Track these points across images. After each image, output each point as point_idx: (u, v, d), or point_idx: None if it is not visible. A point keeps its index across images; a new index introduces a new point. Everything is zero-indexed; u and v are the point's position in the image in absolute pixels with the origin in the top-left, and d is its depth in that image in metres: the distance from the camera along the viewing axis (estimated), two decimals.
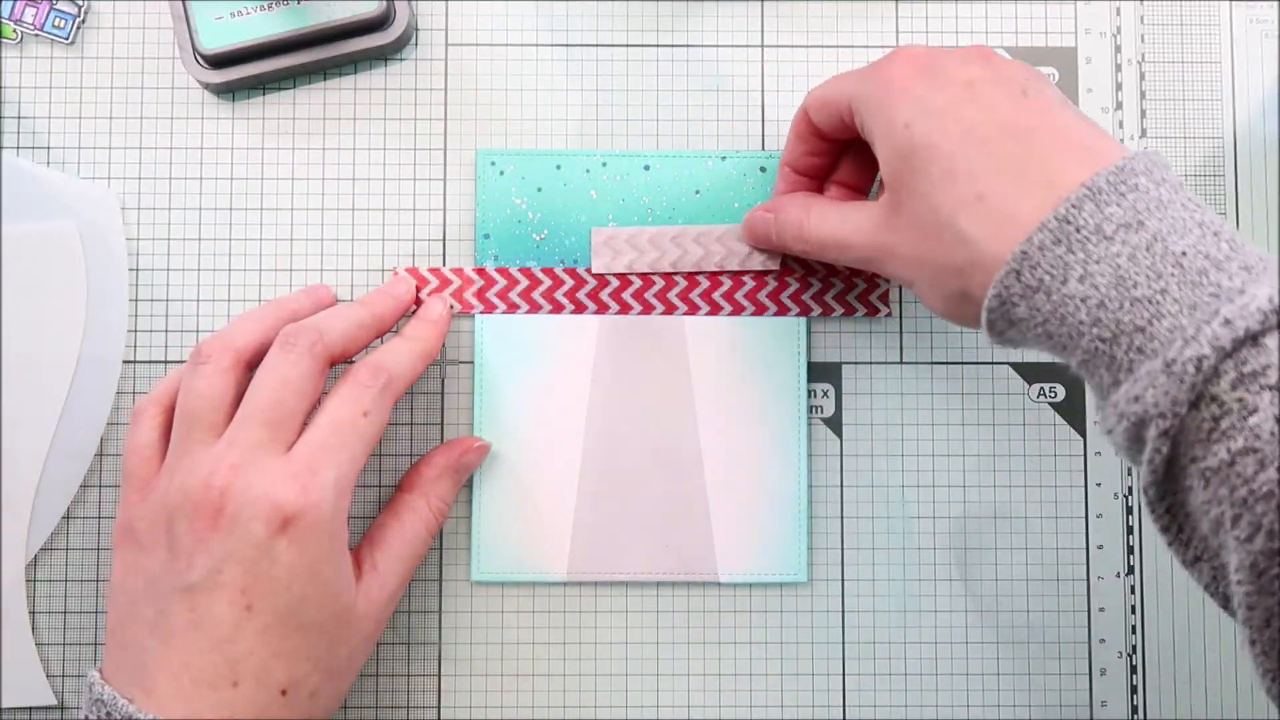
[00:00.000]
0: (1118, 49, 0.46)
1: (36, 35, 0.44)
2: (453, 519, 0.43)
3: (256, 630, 0.34)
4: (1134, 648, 0.44)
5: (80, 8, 0.44)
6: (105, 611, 0.43)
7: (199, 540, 0.34)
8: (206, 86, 0.44)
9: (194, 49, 0.43)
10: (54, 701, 0.43)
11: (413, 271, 0.44)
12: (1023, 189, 0.32)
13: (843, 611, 0.44)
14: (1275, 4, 0.46)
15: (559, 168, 0.44)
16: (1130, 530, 0.44)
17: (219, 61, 0.43)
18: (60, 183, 0.44)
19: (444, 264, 0.44)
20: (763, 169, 0.44)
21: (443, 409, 0.44)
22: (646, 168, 0.44)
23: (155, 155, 0.44)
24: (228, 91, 0.44)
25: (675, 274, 0.44)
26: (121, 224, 0.44)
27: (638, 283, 0.44)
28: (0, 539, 0.42)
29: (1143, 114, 0.45)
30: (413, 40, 0.45)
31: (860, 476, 0.44)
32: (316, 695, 0.36)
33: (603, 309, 0.44)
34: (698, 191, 0.44)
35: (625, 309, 0.44)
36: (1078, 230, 0.31)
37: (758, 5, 0.45)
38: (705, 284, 0.44)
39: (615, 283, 0.44)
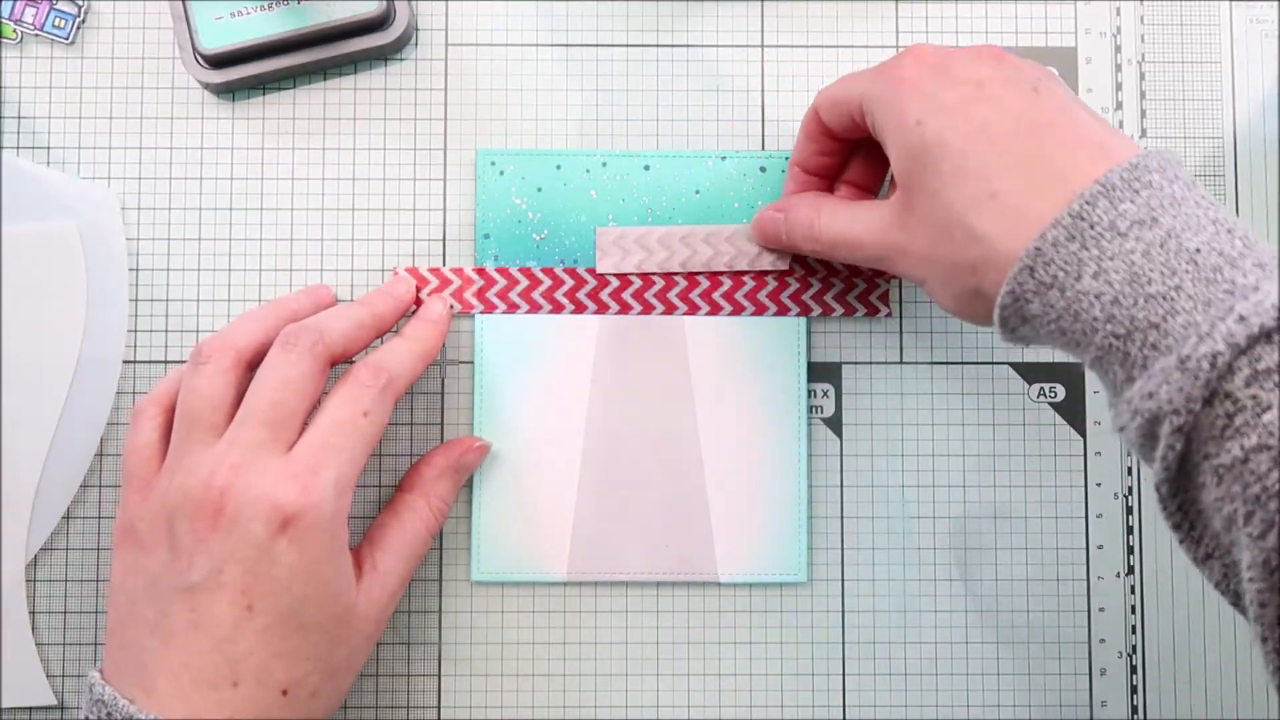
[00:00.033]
0: (1118, 49, 0.46)
1: (36, 35, 0.44)
2: (453, 519, 0.43)
3: (257, 630, 0.34)
4: (1134, 648, 0.44)
5: (80, 8, 0.44)
6: (105, 611, 0.43)
7: (199, 540, 0.34)
8: (206, 86, 0.44)
9: (194, 49, 0.43)
10: (54, 701, 0.43)
11: (413, 271, 0.44)
12: (1035, 186, 0.32)
13: (843, 611, 0.44)
14: (1275, 4, 0.46)
15: (559, 168, 0.44)
16: (1130, 530, 0.44)
17: (219, 61, 0.43)
18: (60, 183, 0.44)
19: (444, 264, 0.44)
20: (763, 169, 0.44)
21: (443, 409, 0.44)
22: (646, 168, 0.44)
23: (155, 155, 0.44)
24: (228, 91, 0.44)
25: (675, 274, 0.44)
26: (121, 224, 0.44)
27: (638, 282, 0.44)
28: (0, 539, 0.42)
29: (1143, 114, 0.45)
30: (413, 40, 0.45)
31: (860, 476, 0.44)
32: (317, 695, 0.36)
33: (603, 309, 0.44)
34: (698, 191, 0.44)
35: (625, 309, 0.44)
36: (1092, 227, 0.31)
37: (758, 5, 0.45)
38: (705, 284, 0.44)
39: (615, 282, 0.44)
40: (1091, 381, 0.44)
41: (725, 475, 0.43)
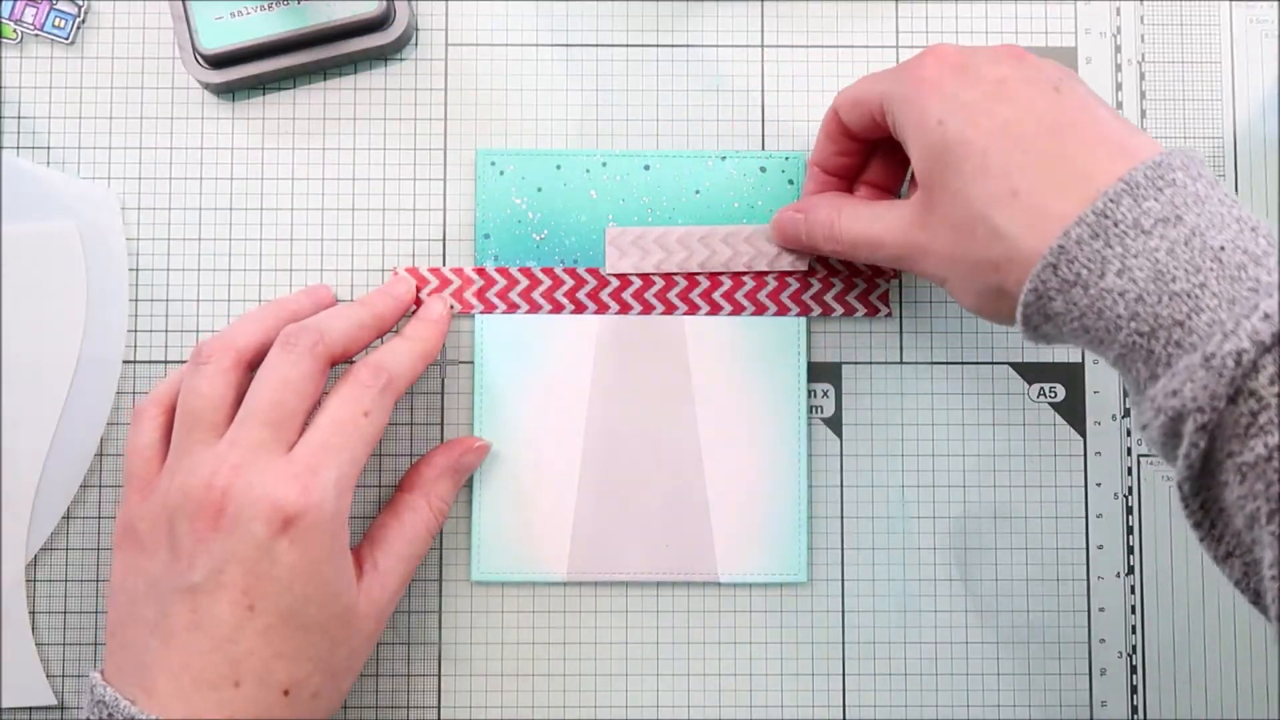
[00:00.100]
0: (1118, 49, 0.46)
1: (36, 35, 0.44)
2: (453, 519, 0.43)
3: (258, 630, 0.34)
4: (1134, 648, 0.44)
5: (80, 8, 0.44)
6: (105, 612, 0.43)
7: (200, 540, 0.34)
8: (206, 86, 0.44)
9: (194, 49, 0.43)
10: (54, 701, 0.43)
11: (413, 271, 0.44)
12: (1058, 184, 0.32)
13: (843, 611, 0.44)
14: (1275, 4, 0.46)
15: (559, 168, 0.44)
16: (1130, 530, 0.44)
17: (219, 61, 0.43)
18: (60, 183, 0.44)
19: (444, 264, 0.44)
20: (763, 169, 0.44)
21: (443, 409, 0.44)
22: (646, 168, 0.44)
23: (155, 155, 0.44)
24: (228, 91, 0.44)
25: (675, 274, 0.44)
26: (121, 224, 0.44)
27: (638, 282, 0.44)
28: (0, 539, 0.42)
29: (1143, 114, 0.45)
30: (413, 40, 0.45)
31: (860, 476, 0.44)
32: (318, 695, 0.36)
33: (603, 309, 0.44)
34: (698, 191, 0.44)
35: (625, 309, 0.44)
36: (1115, 224, 0.31)
37: (758, 5, 0.45)
38: (705, 284, 0.44)
39: (615, 282, 0.44)
40: (1092, 381, 0.45)
41: (725, 475, 0.43)
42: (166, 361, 0.44)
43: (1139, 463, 0.44)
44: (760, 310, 0.44)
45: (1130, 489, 0.44)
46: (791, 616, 0.44)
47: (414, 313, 0.43)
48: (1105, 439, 0.44)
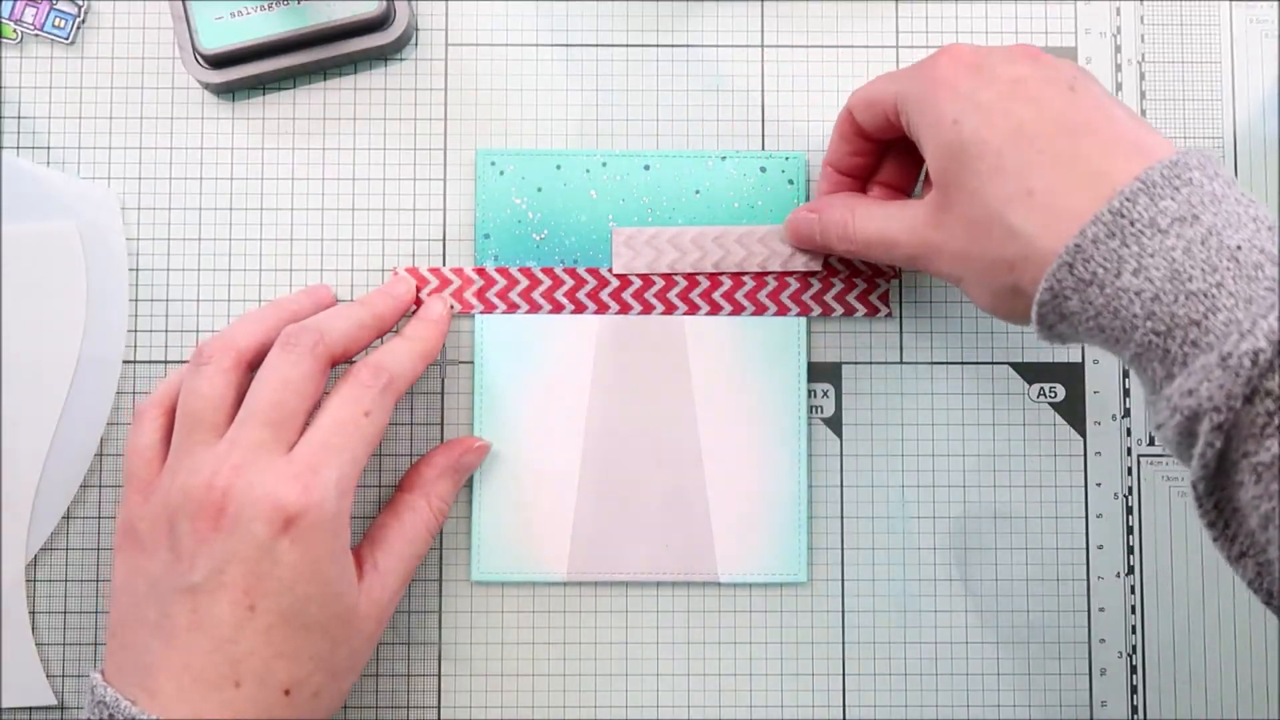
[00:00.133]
0: (1118, 49, 0.46)
1: (36, 35, 0.44)
2: (453, 519, 0.43)
3: (259, 630, 0.34)
4: (1134, 648, 0.44)
5: (80, 8, 0.44)
6: (105, 611, 0.43)
7: (201, 541, 0.34)
8: (206, 86, 0.44)
9: (194, 49, 0.43)
10: (54, 701, 0.43)
11: (413, 271, 0.44)
12: (1074, 184, 0.32)
13: (843, 611, 0.44)
14: (1275, 4, 0.46)
15: (559, 168, 0.44)
16: (1130, 530, 0.44)
17: (219, 61, 0.43)
18: (60, 183, 0.44)
19: (444, 264, 0.44)
20: (763, 169, 0.44)
21: (443, 409, 0.44)
22: (646, 168, 0.44)
23: (155, 155, 0.44)
24: (228, 91, 0.44)
25: (676, 274, 0.44)
26: (121, 224, 0.44)
27: (638, 282, 0.44)
28: (0, 539, 0.42)
29: (1143, 114, 0.45)
30: (413, 40, 0.45)
31: (860, 476, 0.44)
32: (319, 695, 0.36)
33: (603, 309, 0.44)
34: (698, 191, 0.44)
35: (625, 309, 0.44)
36: (1132, 223, 0.31)
37: (758, 5, 0.45)
38: (705, 284, 0.44)
39: (615, 282, 0.44)
40: (1091, 381, 0.45)
41: (725, 475, 0.43)
42: (166, 361, 0.44)
43: (1139, 463, 0.44)
44: (760, 310, 0.44)
45: (1130, 489, 0.44)
46: (791, 616, 0.44)
47: (414, 313, 0.43)
48: (1105, 439, 0.44)
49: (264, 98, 0.44)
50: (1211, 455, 0.29)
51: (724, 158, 0.44)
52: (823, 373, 0.44)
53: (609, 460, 0.43)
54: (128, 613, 0.36)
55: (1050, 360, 0.44)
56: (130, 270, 0.44)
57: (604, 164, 0.44)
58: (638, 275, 0.44)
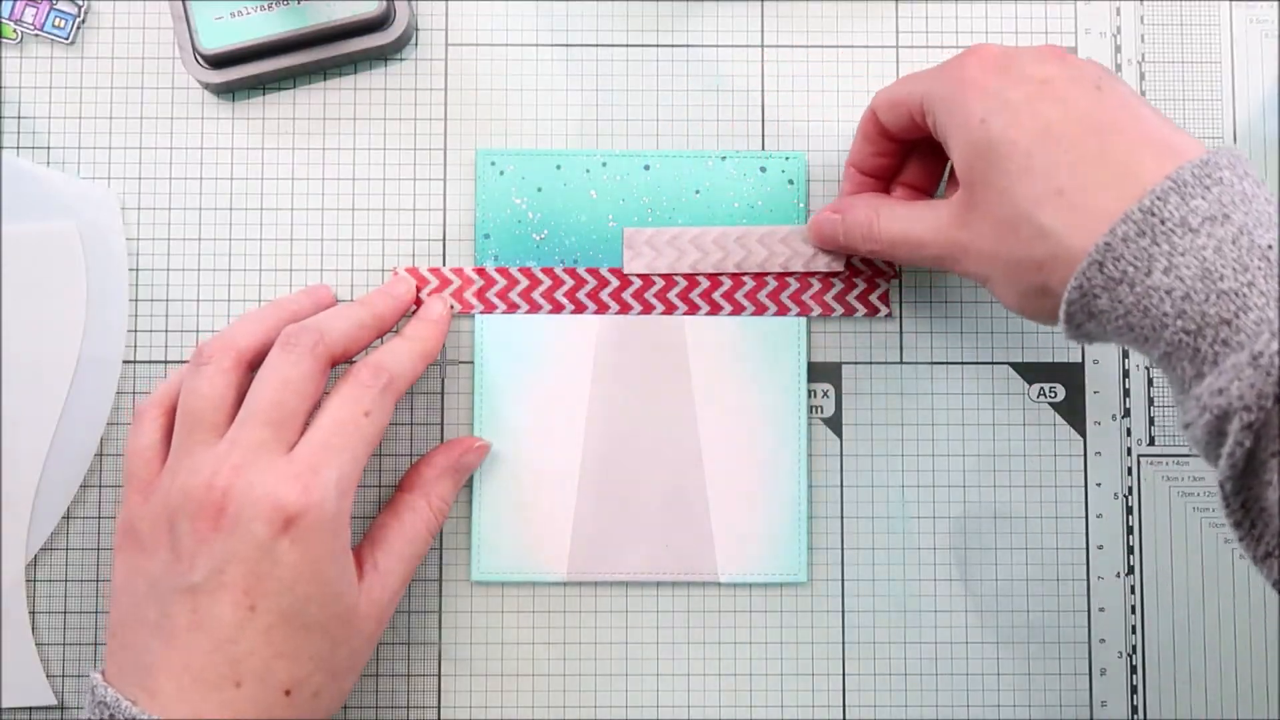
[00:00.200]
0: (1118, 49, 0.46)
1: (36, 35, 0.44)
2: (453, 519, 0.43)
3: (259, 630, 0.34)
4: (1134, 648, 0.44)
5: (80, 8, 0.44)
6: (105, 611, 0.43)
7: (201, 541, 0.34)
8: (206, 86, 0.44)
9: (194, 49, 0.43)
10: (54, 701, 0.43)
11: (413, 271, 0.44)
12: (1103, 183, 0.32)
13: (843, 611, 0.44)
14: (1275, 4, 0.46)
15: (559, 168, 0.44)
16: (1130, 530, 0.44)
17: (219, 61, 0.43)
18: (60, 183, 0.44)
19: (444, 264, 0.44)
20: (763, 169, 0.44)
21: (443, 409, 0.44)
22: (646, 168, 0.44)
23: (155, 155, 0.44)
24: (228, 91, 0.44)
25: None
26: (121, 224, 0.44)
27: (637, 282, 0.44)
28: (0, 539, 0.42)
29: None
30: (413, 40, 0.45)
31: (860, 476, 0.44)
32: (319, 695, 0.36)
33: (603, 309, 0.44)
34: (698, 191, 0.44)
35: (625, 309, 0.44)
36: (1162, 222, 0.31)
37: (758, 5, 0.45)
38: (705, 284, 0.44)
39: (615, 282, 0.44)
40: (1091, 381, 0.45)
41: (725, 475, 0.43)
42: (166, 361, 0.44)
43: (1139, 463, 0.44)
44: (760, 310, 0.44)
45: (1130, 489, 0.44)
46: (791, 616, 0.44)
47: (414, 313, 0.43)
48: (1105, 439, 0.44)
49: (264, 98, 0.44)
50: (1240, 454, 0.29)
51: (724, 158, 0.44)
52: (823, 373, 0.44)
53: (609, 460, 0.43)
54: (128, 613, 0.36)
55: (1050, 360, 0.44)
56: (130, 270, 0.44)
57: (604, 164, 0.44)
58: (638, 275, 0.44)
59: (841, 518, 0.44)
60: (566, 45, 0.45)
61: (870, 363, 0.44)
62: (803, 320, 0.44)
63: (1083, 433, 0.44)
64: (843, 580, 0.44)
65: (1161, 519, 0.44)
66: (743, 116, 0.45)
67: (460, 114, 0.45)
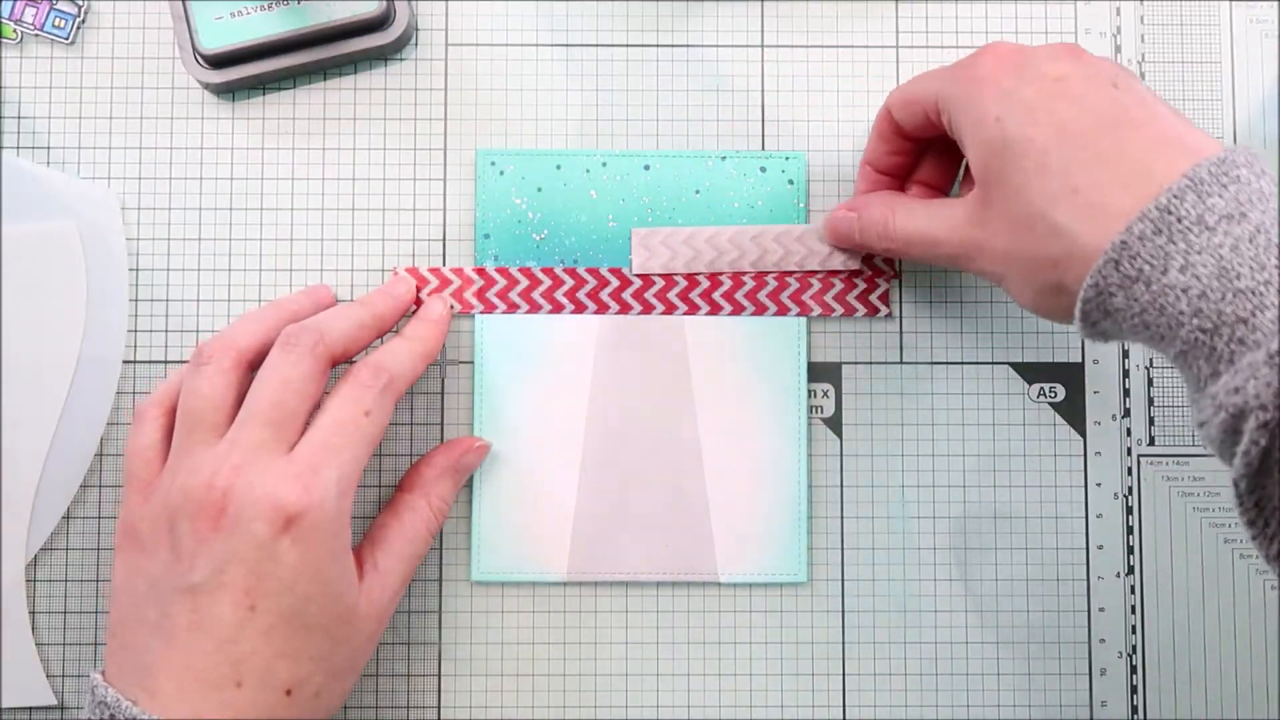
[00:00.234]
0: (1118, 49, 0.46)
1: (36, 35, 0.44)
2: (453, 519, 0.43)
3: (260, 630, 0.34)
4: (1134, 648, 0.44)
5: (80, 8, 0.44)
6: (105, 611, 0.43)
7: (201, 541, 0.34)
8: (206, 86, 0.44)
9: (194, 49, 0.43)
10: (54, 701, 0.43)
11: (413, 271, 0.44)
12: (1119, 181, 0.32)
13: (843, 611, 0.44)
14: (1275, 4, 0.46)
15: (559, 168, 0.44)
16: (1130, 530, 0.44)
17: (219, 61, 0.43)
18: (60, 183, 0.44)
19: (444, 264, 0.44)
20: (763, 169, 0.44)
21: (443, 409, 0.44)
22: (646, 168, 0.44)
23: (155, 155, 0.44)
24: (228, 91, 0.44)
25: (676, 274, 0.44)
26: (121, 224, 0.44)
27: (637, 282, 0.44)
28: (0, 539, 0.42)
29: None
30: (413, 40, 0.45)
31: (860, 476, 0.44)
32: (320, 695, 0.36)
33: (603, 309, 0.44)
34: (698, 191, 0.44)
35: (625, 309, 0.44)
36: (1179, 220, 0.31)
37: (758, 5, 0.45)
38: (705, 284, 0.44)
39: (615, 282, 0.44)
40: (1092, 381, 0.45)
41: (725, 475, 0.43)
42: (166, 361, 0.44)
43: (1139, 463, 0.44)
44: (760, 310, 0.44)
45: (1130, 489, 0.44)
46: (791, 616, 0.44)
47: (414, 313, 0.43)
48: (1105, 439, 0.44)
49: (264, 98, 0.44)
50: (1256, 453, 0.29)
51: (724, 158, 0.44)
52: (823, 373, 0.44)
53: (609, 460, 0.43)
54: (128, 613, 0.36)
55: (1050, 360, 0.44)
56: (130, 270, 0.44)
57: (604, 164, 0.44)
58: (638, 275, 0.44)
59: (841, 518, 0.44)
60: (566, 45, 0.45)
61: (870, 363, 0.44)
62: (803, 320, 0.44)
63: (1083, 433, 0.44)
64: (843, 580, 0.44)
65: (1161, 519, 0.44)
66: (743, 116, 0.45)
67: (460, 114, 0.45)
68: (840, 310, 0.44)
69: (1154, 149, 0.33)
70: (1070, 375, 0.45)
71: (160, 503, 0.36)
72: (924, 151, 0.42)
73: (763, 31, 0.45)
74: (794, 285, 0.44)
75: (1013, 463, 0.44)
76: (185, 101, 0.44)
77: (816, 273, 0.44)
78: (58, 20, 0.44)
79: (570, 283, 0.44)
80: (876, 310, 0.44)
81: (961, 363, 0.44)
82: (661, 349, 0.44)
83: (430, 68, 0.45)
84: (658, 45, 0.45)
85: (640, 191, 0.44)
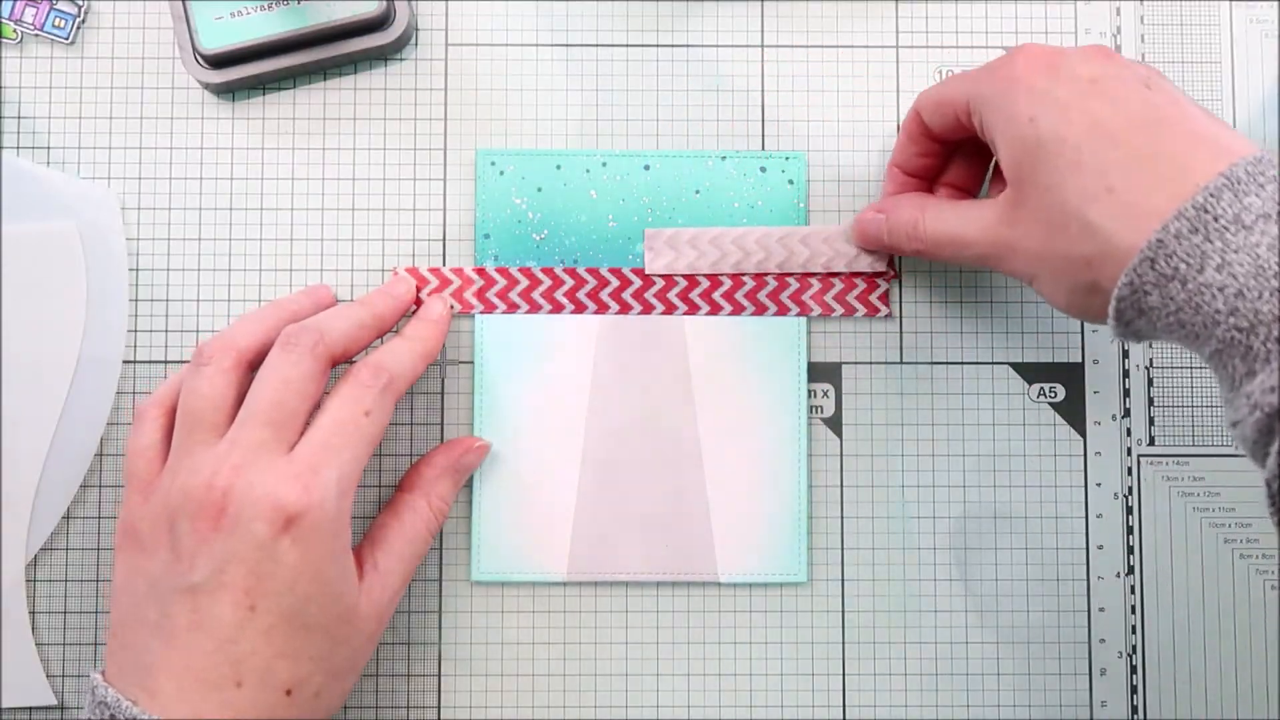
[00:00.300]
0: (1118, 49, 0.46)
1: (36, 35, 0.44)
2: (453, 519, 0.43)
3: (260, 630, 0.34)
4: (1134, 648, 0.44)
5: (80, 8, 0.44)
6: (106, 611, 0.43)
7: (201, 541, 0.34)
8: (206, 86, 0.44)
9: (194, 49, 0.43)
10: (54, 701, 0.43)
11: (413, 271, 0.44)
12: (1154, 180, 0.32)
13: (843, 611, 0.44)
14: (1275, 4, 0.46)
15: (559, 168, 0.44)
16: (1130, 530, 0.44)
17: (219, 61, 0.43)
18: (60, 183, 0.44)
19: (444, 264, 0.44)
20: (763, 169, 0.44)
21: (443, 409, 0.44)
22: (646, 168, 0.44)
23: (155, 155, 0.44)
24: (228, 91, 0.44)
25: (677, 275, 0.44)
26: (121, 224, 0.44)
27: (637, 282, 0.44)
28: (0, 539, 0.42)
29: None
30: (413, 40, 0.45)
31: (860, 476, 0.44)
32: (320, 695, 0.36)
33: (603, 309, 0.44)
34: (698, 191, 0.44)
35: (625, 309, 0.44)
36: (1215, 219, 0.31)
37: (758, 5, 0.45)
38: (705, 284, 0.44)
39: (615, 282, 0.44)
40: (1091, 381, 0.45)
41: (725, 475, 0.43)
42: (166, 361, 0.44)
43: (1139, 463, 0.44)
44: (760, 310, 0.44)
45: (1130, 489, 0.44)
46: (791, 616, 0.44)
47: (414, 313, 0.43)
48: (1105, 439, 0.44)
49: (264, 98, 0.44)
50: None
51: (724, 158, 0.44)
52: (823, 373, 0.44)
53: (609, 460, 0.43)
54: (128, 613, 0.36)
55: (1050, 360, 0.44)
56: (130, 270, 0.44)
57: (604, 164, 0.44)
58: (638, 275, 0.44)
59: (841, 518, 0.44)
60: (566, 45, 0.45)
61: (870, 363, 0.44)
62: (803, 320, 0.44)
63: (1083, 433, 0.44)
64: (843, 580, 0.44)
65: (1161, 519, 0.44)
66: (743, 116, 0.45)
67: (460, 114, 0.45)
68: (840, 310, 0.44)
69: (1189, 148, 0.33)
70: (1070, 375, 0.45)
71: (160, 503, 0.36)
72: (952, 154, 0.42)
73: (763, 31, 0.45)
74: (794, 285, 0.44)
75: (1013, 463, 0.44)
76: (185, 101, 0.44)
77: (816, 273, 0.44)
78: (58, 20, 0.44)
79: (570, 283, 0.44)
80: (876, 310, 0.44)
81: (961, 363, 0.44)
82: (661, 349, 0.44)
83: (430, 68, 0.45)
84: (658, 45, 0.45)
85: (640, 191, 0.44)
